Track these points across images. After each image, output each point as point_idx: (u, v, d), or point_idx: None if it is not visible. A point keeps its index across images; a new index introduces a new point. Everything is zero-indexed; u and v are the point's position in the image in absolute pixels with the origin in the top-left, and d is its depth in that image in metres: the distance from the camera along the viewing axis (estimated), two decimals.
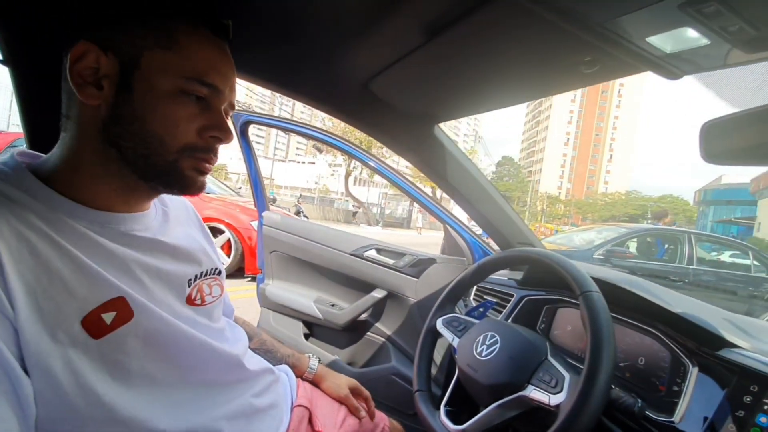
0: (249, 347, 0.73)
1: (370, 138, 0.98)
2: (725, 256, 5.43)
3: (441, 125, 0.99)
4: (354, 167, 19.71)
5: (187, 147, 0.48)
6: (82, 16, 0.47)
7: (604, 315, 0.59)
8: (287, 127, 1.59)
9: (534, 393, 0.61)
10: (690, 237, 4.82)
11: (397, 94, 0.81)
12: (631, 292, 0.77)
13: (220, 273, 0.64)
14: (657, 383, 0.71)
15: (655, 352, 0.73)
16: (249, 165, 1.67)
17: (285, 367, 0.81)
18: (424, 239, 13.83)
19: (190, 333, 0.52)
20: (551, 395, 0.59)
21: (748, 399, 0.56)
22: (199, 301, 0.57)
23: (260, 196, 1.70)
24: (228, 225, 3.99)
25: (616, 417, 0.68)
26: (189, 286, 0.56)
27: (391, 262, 1.48)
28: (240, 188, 10.90)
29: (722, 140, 0.51)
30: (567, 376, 0.61)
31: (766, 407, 0.54)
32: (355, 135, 13.34)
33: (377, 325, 1.51)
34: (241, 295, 3.62)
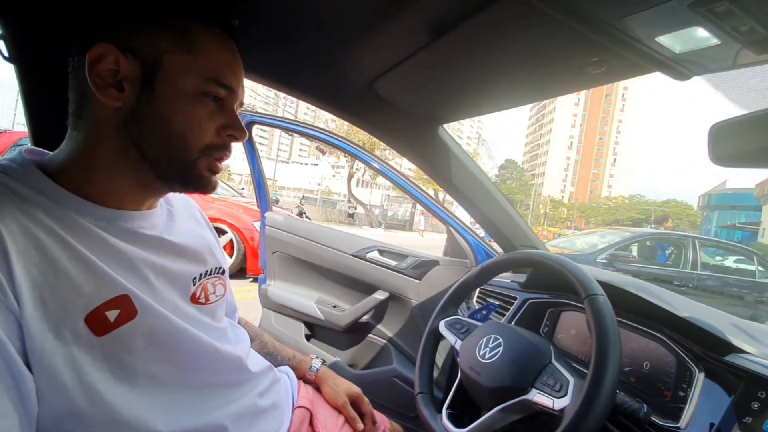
0: (252, 348, 0.72)
1: (374, 140, 0.98)
2: (730, 262, 5.38)
3: (445, 127, 0.99)
4: (357, 169, 19.74)
5: (208, 146, 0.50)
6: (96, 17, 0.47)
7: (609, 318, 0.58)
8: (291, 127, 1.60)
9: (538, 397, 0.60)
10: (694, 242, 4.79)
11: (402, 95, 0.80)
12: (636, 296, 0.76)
13: (224, 272, 0.64)
14: (662, 388, 0.70)
15: (660, 357, 0.72)
16: (252, 165, 1.67)
17: (286, 368, 0.81)
18: (426, 241, 13.83)
19: (193, 333, 0.52)
20: (555, 399, 0.59)
21: (755, 405, 0.55)
22: (203, 300, 0.58)
23: (263, 197, 1.70)
24: (230, 225, 4.00)
25: (620, 422, 0.67)
26: (194, 285, 0.56)
27: (393, 263, 1.47)
28: (243, 189, 10.94)
29: (730, 142, 0.50)
30: (571, 380, 0.60)
31: None
32: (359, 137, 13.36)
33: (379, 326, 1.50)
34: (243, 295, 3.62)
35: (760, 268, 4.88)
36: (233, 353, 0.58)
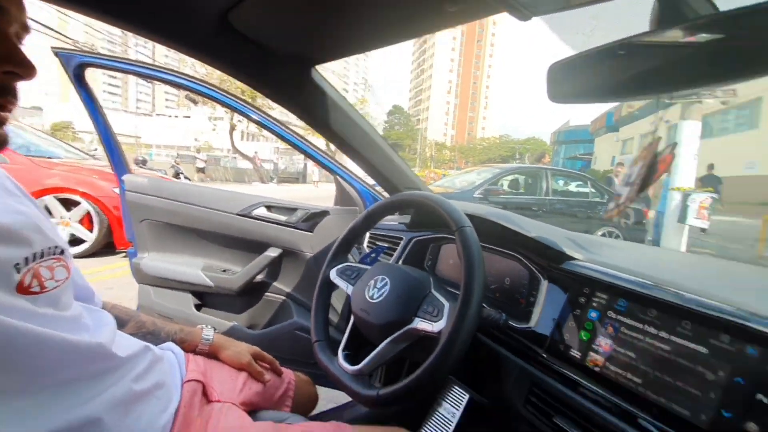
0: (126, 332, 0.67)
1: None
2: (572, 187, 6.55)
3: (321, 69, 0.93)
4: (239, 120, 17.98)
5: None
6: None
7: (475, 246, 0.66)
8: (139, 71, 1.33)
9: (420, 324, 0.67)
10: (547, 173, 5.71)
11: (264, 30, 0.71)
12: (497, 224, 0.87)
13: (63, 252, 0.53)
14: (519, 298, 0.84)
15: (517, 272, 0.85)
16: (95, 120, 1.38)
17: (170, 344, 0.76)
18: (321, 192, 13.72)
19: (26, 329, 0.43)
20: (434, 323, 0.65)
21: (582, 300, 0.69)
22: (37, 288, 0.48)
23: (116, 157, 1.44)
24: (84, 195, 3.37)
25: (487, 331, 0.78)
26: (19, 272, 0.46)
27: (283, 218, 1.42)
28: (96, 150, 9.14)
29: (565, 81, 0.57)
30: (447, 304, 0.67)
31: (595, 305, 0.67)
32: (236, 84, 12.00)
33: (275, 284, 1.47)
34: (115, 273, 3.17)
35: (592, 189, 6.08)
36: (89, 342, 0.51)
